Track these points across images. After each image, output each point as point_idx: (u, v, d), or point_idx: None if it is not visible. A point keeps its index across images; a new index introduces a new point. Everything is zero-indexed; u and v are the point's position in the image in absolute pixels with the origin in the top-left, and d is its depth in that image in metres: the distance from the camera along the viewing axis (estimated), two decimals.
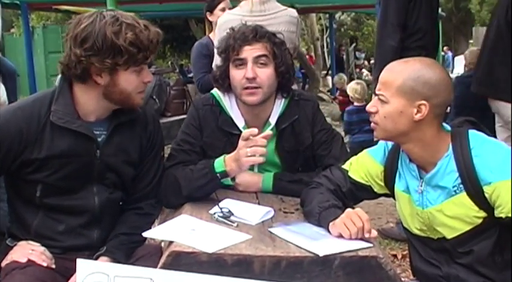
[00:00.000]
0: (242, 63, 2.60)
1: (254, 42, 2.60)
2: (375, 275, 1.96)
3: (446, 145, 2.17)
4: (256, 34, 2.60)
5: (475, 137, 2.16)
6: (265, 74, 2.59)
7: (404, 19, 4.37)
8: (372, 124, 2.20)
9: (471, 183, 2.10)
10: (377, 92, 2.17)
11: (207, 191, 2.52)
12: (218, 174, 2.48)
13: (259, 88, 2.58)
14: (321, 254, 1.95)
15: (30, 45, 11.37)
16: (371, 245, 2.04)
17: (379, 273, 1.96)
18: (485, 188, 2.08)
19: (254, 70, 2.57)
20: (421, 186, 2.23)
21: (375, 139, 2.25)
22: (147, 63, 2.33)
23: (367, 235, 2.08)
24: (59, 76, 2.44)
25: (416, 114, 2.12)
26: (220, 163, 2.49)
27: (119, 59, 2.23)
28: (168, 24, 23.54)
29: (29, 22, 11.38)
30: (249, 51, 2.59)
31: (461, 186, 2.13)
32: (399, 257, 4.34)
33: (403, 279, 2.64)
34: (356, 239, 2.06)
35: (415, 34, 4.41)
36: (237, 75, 2.61)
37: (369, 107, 2.19)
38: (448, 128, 2.24)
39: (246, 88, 2.59)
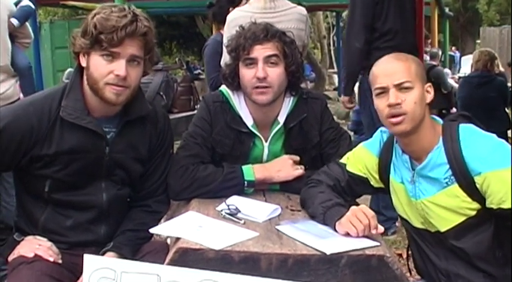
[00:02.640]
0: (252, 62, 2.58)
1: (265, 41, 2.58)
2: (382, 274, 1.96)
3: (437, 137, 2.19)
4: (267, 34, 2.58)
5: (465, 129, 2.18)
6: (276, 74, 2.58)
7: (372, 21, 4.46)
8: (398, 118, 2.14)
9: (462, 175, 2.12)
10: (397, 82, 2.14)
11: (226, 194, 2.52)
12: (245, 182, 2.55)
13: (269, 88, 2.57)
14: (327, 252, 1.95)
15: (37, 40, 11.37)
16: (378, 244, 2.04)
17: (386, 272, 1.96)
18: (476, 179, 2.09)
19: (265, 70, 2.56)
20: (413, 177, 2.24)
21: (399, 132, 2.21)
22: (116, 51, 2.22)
23: (373, 231, 2.08)
24: (67, 71, 2.45)
25: (427, 97, 2.21)
26: (250, 172, 2.57)
27: (86, 38, 2.23)
28: (175, 20, 23.54)
29: (36, 17, 11.38)
30: (260, 51, 2.57)
31: (452, 178, 2.14)
32: (404, 256, 4.32)
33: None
34: (363, 236, 2.06)
35: (385, 35, 4.50)
36: (247, 74, 2.60)
37: (394, 100, 2.13)
38: (440, 121, 2.27)
39: (257, 87, 2.58)
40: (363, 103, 4.77)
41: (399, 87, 2.15)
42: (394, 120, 2.15)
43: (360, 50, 4.47)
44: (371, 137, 4.36)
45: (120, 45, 2.22)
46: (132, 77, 2.28)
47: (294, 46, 2.67)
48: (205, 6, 5.35)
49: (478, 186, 2.10)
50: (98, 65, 2.25)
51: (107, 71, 2.24)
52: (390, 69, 2.18)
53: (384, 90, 2.17)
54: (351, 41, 4.57)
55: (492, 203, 2.08)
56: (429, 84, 2.23)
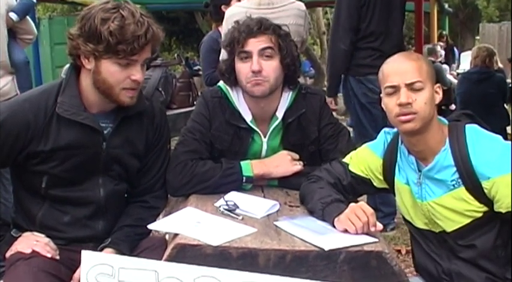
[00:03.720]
0: (247, 56, 2.58)
1: (259, 34, 2.57)
2: (380, 270, 1.96)
3: (444, 138, 2.19)
4: (261, 26, 2.58)
5: (472, 131, 2.17)
6: (271, 67, 2.57)
7: (357, 23, 4.54)
8: (408, 116, 2.13)
9: (469, 179, 2.11)
10: (409, 82, 2.12)
11: (224, 190, 2.52)
12: (244, 178, 2.55)
13: (265, 81, 2.57)
14: (326, 248, 1.95)
15: (36, 36, 11.35)
16: (376, 240, 2.03)
17: (384, 268, 1.96)
18: (484, 184, 2.09)
19: (260, 63, 2.55)
20: (420, 178, 2.23)
21: (407, 130, 2.18)
22: (134, 58, 2.24)
23: (372, 229, 2.08)
24: (65, 67, 2.43)
25: (436, 98, 2.19)
26: (248, 167, 2.57)
27: (99, 46, 2.21)
28: (174, 16, 23.51)
29: (35, 13, 11.35)
30: (255, 44, 2.57)
31: (459, 180, 2.14)
32: (403, 252, 4.33)
33: (407, 274, 2.63)
34: (362, 233, 2.06)
35: (367, 37, 4.58)
36: (242, 68, 2.59)
37: (405, 99, 2.11)
38: (445, 121, 2.25)
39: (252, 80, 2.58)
40: (347, 102, 4.79)
41: (410, 86, 2.13)
42: (403, 118, 2.13)
43: (345, 52, 4.56)
44: (359, 134, 4.37)
45: (139, 53, 2.24)
46: (143, 76, 2.32)
47: (289, 39, 2.66)
48: (203, 5, 5.40)
49: (485, 191, 2.09)
50: (114, 72, 2.24)
51: (124, 77, 2.26)
52: (402, 68, 2.16)
53: (395, 89, 2.15)
54: (336, 42, 4.65)
55: (501, 207, 2.08)
56: (438, 85, 2.22)
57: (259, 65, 2.55)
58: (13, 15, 4.52)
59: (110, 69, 2.24)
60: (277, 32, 2.61)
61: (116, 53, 2.21)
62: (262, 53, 2.56)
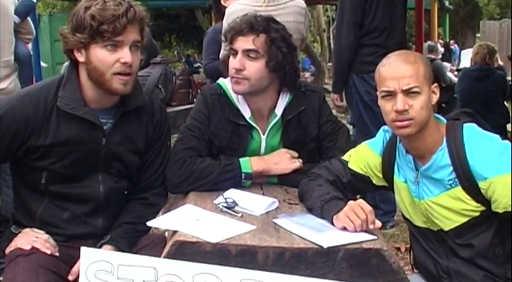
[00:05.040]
0: (234, 53, 2.59)
1: (248, 34, 2.57)
2: (379, 268, 1.96)
3: (441, 138, 2.18)
4: (252, 26, 2.57)
5: (469, 131, 2.16)
6: (254, 68, 2.56)
7: (361, 18, 4.54)
8: (405, 122, 2.11)
9: (466, 178, 2.11)
10: (406, 88, 2.10)
11: (223, 187, 2.52)
12: (243, 175, 2.55)
13: (245, 80, 2.57)
14: (325, 246, 1.95)
15: (36, 33, 11.35)
16: (375, 237, 2.04)
17: (383, 265, 1.96)
18: (481, 184, 2.09)
19: (242, 62, 2.56)
20: (417, 177, 2.23)
21: (404, 135, 2.17)
22: (119, 39, 2.23)
23: (371, 226, 2.08)
24: (65, 64, 2.44)
25: (433, 98, 2.18)
26: (247, 164, 2.57)
27: (84, 33, 2.22)
28: (174, 14, 23.53)
29: (36, 10, 11.35)
30: (241, 43, 2.57)
31: (456, 180, 2.14)
32: (403, 250, 4.33)
33: (406, 272, 2.64)
34: (361, 231, 2.06)
35: (371, 33, 4.57)
36: (230, 63, 2.61)
37: (402, 106, 2.09)
38: (444, 120, 2.24)
39: (233, 77, 2.59)
40: (350, 100, 4.79)
41: (407, 92, 2.11)
42: (399, 123, 2.13)
43: (350, 47, 4.55)
44: (361, 132, 4.35)
45: (123, 33, 2.23)
46: (135, 62, 2.30)
47: (282, 43, 2.61)
48: (207, 7, 5.44)
49: (482, 191, 2.09)
50: (102, 57, 2.25)
51: (113, 60, 2.25)
52: (399, 73, 2.13)
53: (391, 94, 2.13)
54: (340, 38, 4.65)
55: (498, 207, 2.08)
56: (435, 84, 2.20)
57: (241, 64, 2.55)
58: (15, 17, 4.58)
59: (99, 55, 2.25)
60: (269, 33, 2.58)
61: (101, 35, 2.21)
62: (247, 53, 2.56)
